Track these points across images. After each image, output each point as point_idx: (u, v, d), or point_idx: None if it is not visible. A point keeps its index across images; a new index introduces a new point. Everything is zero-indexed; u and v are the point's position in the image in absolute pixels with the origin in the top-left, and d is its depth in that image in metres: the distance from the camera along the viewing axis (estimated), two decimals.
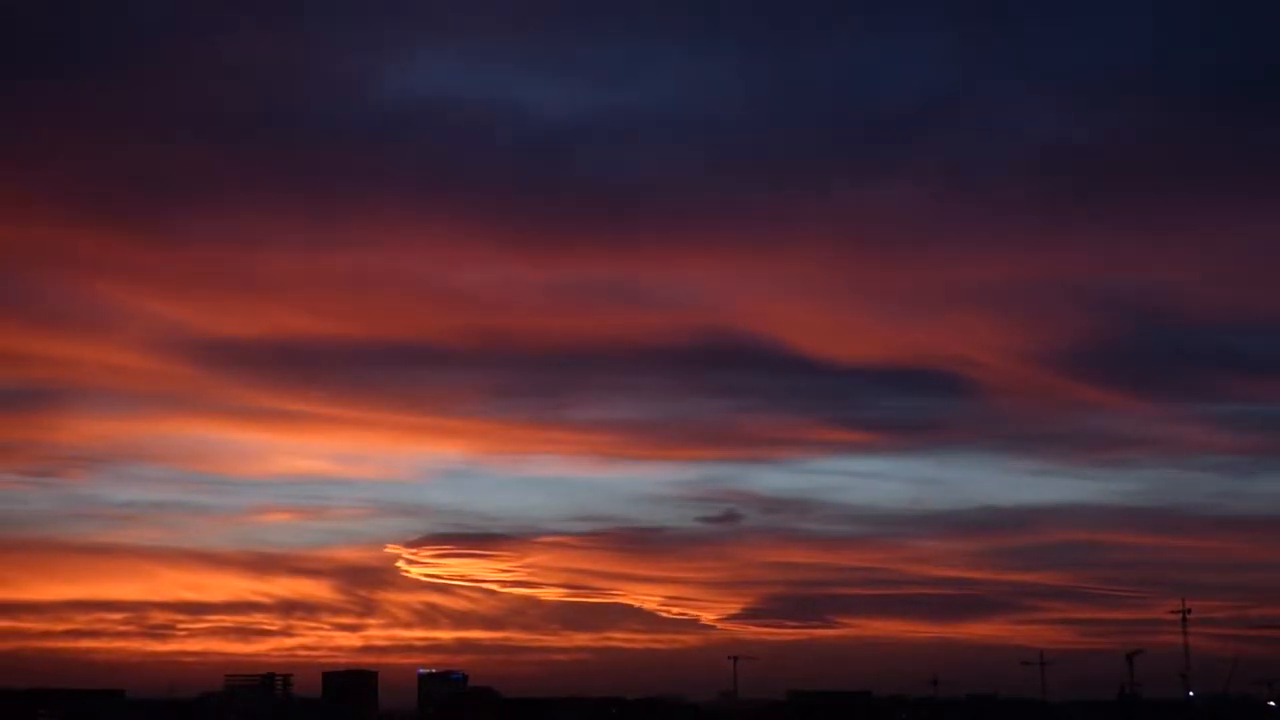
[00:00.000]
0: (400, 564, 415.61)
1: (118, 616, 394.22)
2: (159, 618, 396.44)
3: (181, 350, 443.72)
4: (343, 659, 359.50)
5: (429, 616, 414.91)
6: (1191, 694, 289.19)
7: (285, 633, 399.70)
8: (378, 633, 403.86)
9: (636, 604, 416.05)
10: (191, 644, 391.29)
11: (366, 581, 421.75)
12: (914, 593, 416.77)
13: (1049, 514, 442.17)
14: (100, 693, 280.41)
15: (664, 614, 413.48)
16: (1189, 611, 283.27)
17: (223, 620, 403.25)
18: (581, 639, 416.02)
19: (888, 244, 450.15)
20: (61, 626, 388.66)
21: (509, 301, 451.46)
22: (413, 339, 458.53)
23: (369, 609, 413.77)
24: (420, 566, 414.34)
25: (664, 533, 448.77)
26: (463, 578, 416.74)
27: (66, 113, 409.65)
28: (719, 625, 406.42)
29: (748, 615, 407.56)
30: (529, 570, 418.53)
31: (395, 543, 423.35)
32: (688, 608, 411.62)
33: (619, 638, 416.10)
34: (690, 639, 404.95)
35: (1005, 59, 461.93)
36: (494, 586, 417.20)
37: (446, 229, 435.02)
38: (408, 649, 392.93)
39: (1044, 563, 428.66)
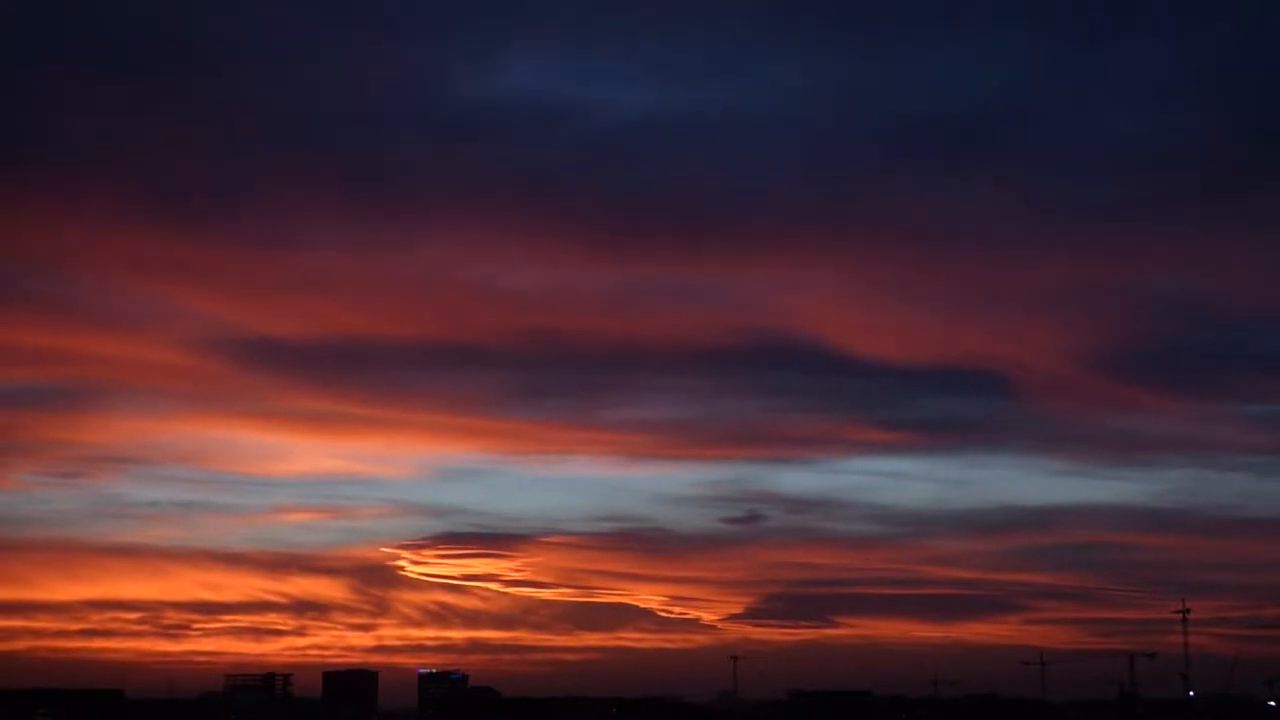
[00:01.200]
0: (411, 564, 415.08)
1: (132, 616, 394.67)
2: (173, 617, 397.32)
3: (223, 349, 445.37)
4: (354, 659, 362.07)
5: (441, 616, 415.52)
6: (1191, 694, 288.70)
7: (298, 633, 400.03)
8: (390, 632, 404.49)
9: (644, 605, 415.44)
10: (204, 644, 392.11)
11: (381, 581, 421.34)
12: (916, 593, 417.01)
13: (1070, 514, 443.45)
14: (100, 693, 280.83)
15: (667, 614, 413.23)
16: (1188, 611, 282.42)
17: (237, 620, 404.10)
18: (592, 639, 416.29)
19: (944, 246, 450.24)
20: (76, 626, 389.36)
21: (559, 302, 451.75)
22: (457, 339, 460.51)
23: (382, 609, 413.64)
24: (432, 566, 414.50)
25: (682, 534, 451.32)
26: (476, 577, 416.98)
27: (123, 112, 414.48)
28: (726, 625, 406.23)
29: (750, 615, 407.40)
30: (543, 571, 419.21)
31: (412, 543, 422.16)
32: (695, 609, 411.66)
33: (630, 638, 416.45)
34: (701, 639, 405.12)
35: (1065, 62, 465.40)
36: (506, 587, 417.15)
37: (501, 229, 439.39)
38: (419, 649, 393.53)
39: (1057, 563, 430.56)
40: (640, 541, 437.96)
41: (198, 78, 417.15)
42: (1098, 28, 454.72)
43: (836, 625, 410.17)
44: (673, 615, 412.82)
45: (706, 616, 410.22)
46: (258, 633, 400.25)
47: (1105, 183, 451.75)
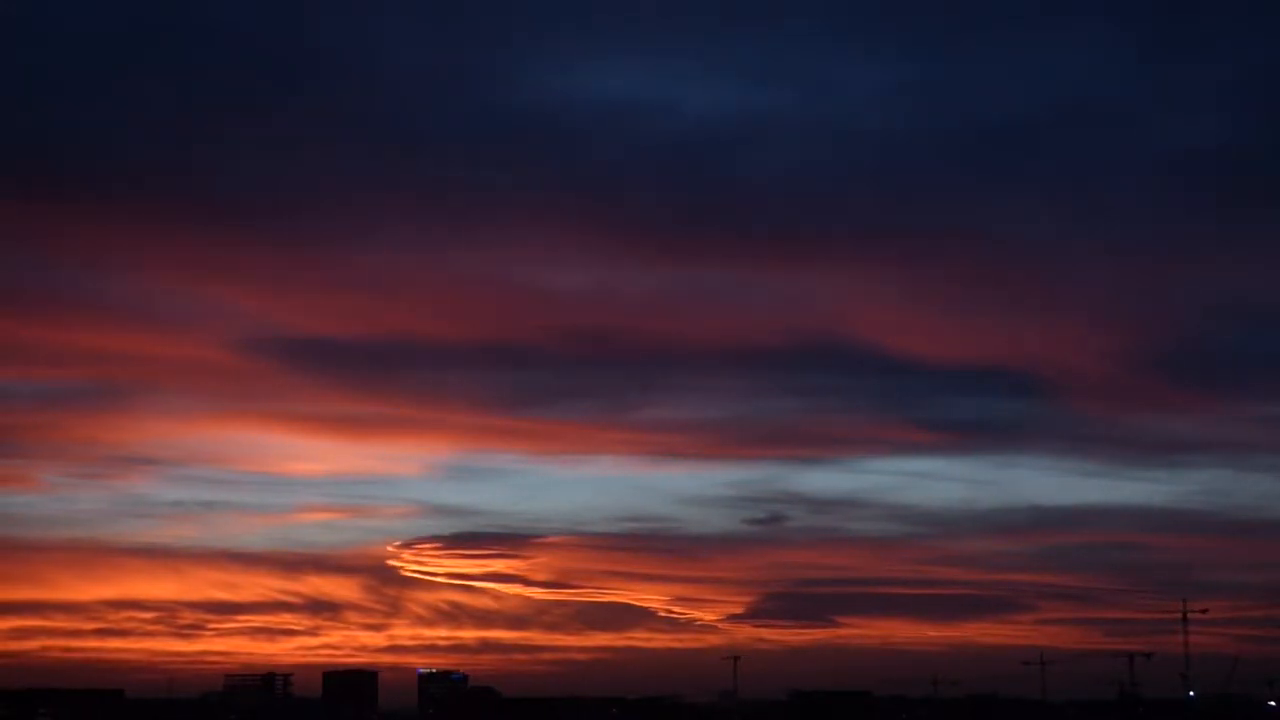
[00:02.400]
0: (423, 564, 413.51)
1: (147, 615, 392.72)
2: (188, 617, 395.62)
3: (267, 349, 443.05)
4: (365, 659, 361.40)
5: (453, 616, 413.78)
6: (1192, 694, 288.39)
7: (310, 632, 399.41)
8: (401, 632, 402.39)
9: (650, 605, 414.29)
10: (217, 643, 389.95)
11: (395, 581, 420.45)
12: (919, 593, 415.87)
13: (1094, 515, 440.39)
14: (100, 692, 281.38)
15: (670, 615, 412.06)
16: (1193, 611, 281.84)
17: (251, 620, 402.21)
18: (602, 639, 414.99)
19: (991, 249, 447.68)
20: (91, 625, 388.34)
21: (606, 303, 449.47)
22: (498, 339, 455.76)
23: (396, 609, 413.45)
24: (446, 566, 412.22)
25: (700, 535, 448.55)
26: (488, 577, 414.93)
27: (169, 111, 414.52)
28: (730, 626, 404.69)
29: (752, 616, 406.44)
30: (556, 571, 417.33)
31: (428, 543, 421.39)
32: (701, 609, 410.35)
33: (638, 637, 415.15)
34: (707, 639, 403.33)
35: (1116, 68, 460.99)
36: (520, 587, 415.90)
37: (555, 229, 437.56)
38: (432, 648, 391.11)
39: (1072, 564, 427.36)
40: (658, 542, 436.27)
41: (250, 78, 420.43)
42: (1151, 36, 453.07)
43: (838, 625, 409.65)
44: (674, 615, 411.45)
45: (707, 617, 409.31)
46: (270, 633, 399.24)
47: (1149, 186, 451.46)
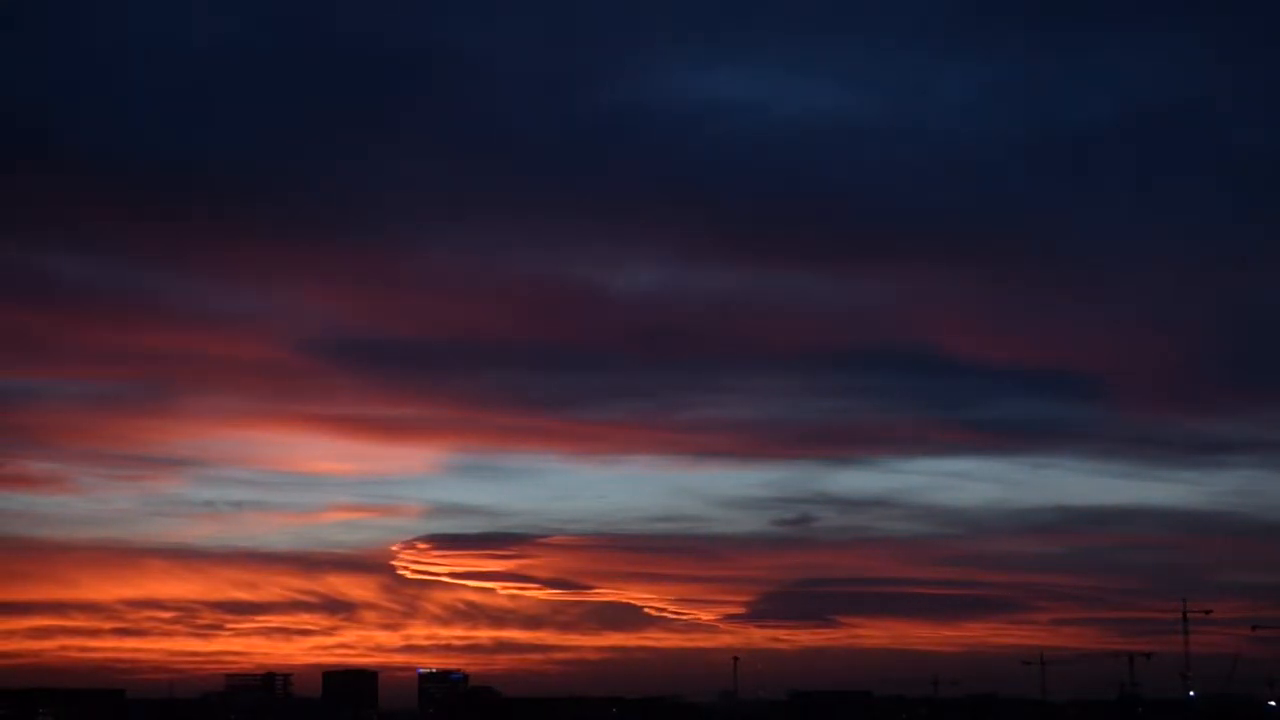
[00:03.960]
0: (441, 565, 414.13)
1: (167, 615, 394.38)
2: (208, 617, 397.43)
3: (320, 349, 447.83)
4: (378, 659, 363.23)
5: (469, 616, 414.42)
6: (1192, 694, 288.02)
7: (326, 632, 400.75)
8: (416, 631, 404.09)
9: (658, 605, 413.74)
10: (234, 643, 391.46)
11: (412, 582, 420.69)
12: (921, 593, 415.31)
13: (1123, 516, 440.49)
14: (100, 692, 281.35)
15: (675, 615, 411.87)
16: (1188, 612, 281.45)
17: (269, 620, 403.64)
18: (614, 639, 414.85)
19: (1062, 251, 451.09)
20: (110, 625, 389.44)
21: (668, 304, 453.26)
22: (556, 340, 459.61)
23: (412, 609, 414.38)
24: (460, 566, 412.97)
25: (726, 536, 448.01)
26: (503, 577, 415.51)
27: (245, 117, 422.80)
28: (741, 627, 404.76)
29: (754, 616, 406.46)
30: (571, 572, 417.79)
31: (444, 543, 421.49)
32: (706, 610, 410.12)
33: (649, 638, 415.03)
34: (720, 639, 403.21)
35: (1188, 73, 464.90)
36: (532, 588, 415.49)
37: (624, 229, 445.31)
38: (446, 649, 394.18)
39: (1091, 564, 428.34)
40: (681, 542, 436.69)
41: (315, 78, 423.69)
42: (1230, 41, 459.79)
43: (839, 625, 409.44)
44: (677, 616, 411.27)
45: (705, 617, 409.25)
46: (287, 632, 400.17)
47: (1213, 190, 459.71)
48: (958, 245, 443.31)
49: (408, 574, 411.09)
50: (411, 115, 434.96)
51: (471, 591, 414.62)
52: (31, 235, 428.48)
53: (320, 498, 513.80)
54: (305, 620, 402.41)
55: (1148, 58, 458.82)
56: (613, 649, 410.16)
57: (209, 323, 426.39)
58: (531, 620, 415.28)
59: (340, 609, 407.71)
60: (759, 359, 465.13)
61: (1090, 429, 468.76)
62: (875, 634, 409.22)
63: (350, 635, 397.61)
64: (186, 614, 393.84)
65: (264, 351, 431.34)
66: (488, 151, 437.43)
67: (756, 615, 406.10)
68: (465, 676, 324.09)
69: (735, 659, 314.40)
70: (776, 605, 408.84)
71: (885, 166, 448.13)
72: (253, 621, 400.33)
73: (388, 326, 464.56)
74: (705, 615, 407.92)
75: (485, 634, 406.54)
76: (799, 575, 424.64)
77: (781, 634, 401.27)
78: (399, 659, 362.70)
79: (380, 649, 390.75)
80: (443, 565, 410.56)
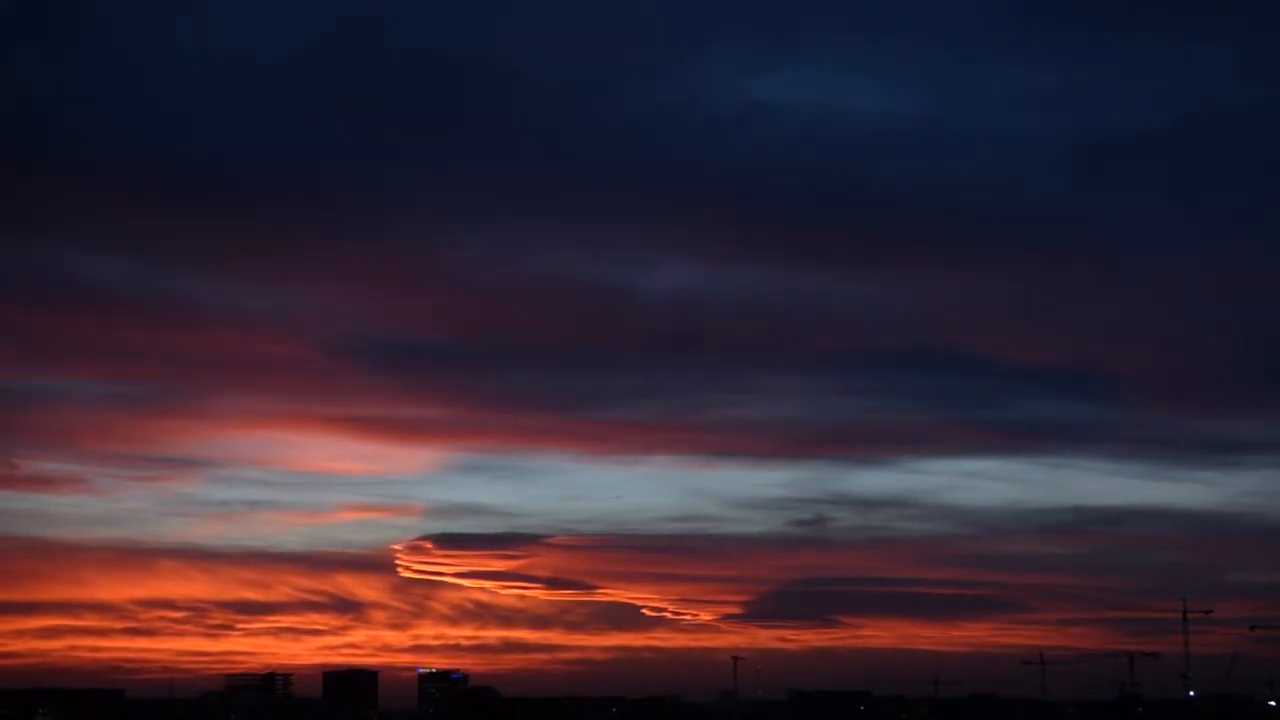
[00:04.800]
0: (445, 564, 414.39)
1: (178, 615, 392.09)
2: (218, 617, 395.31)
3: (347, 350, 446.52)
4: (385, 659, 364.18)
5: (476, 615, 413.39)
6: (1192, 694, 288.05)
7: (335, 632, 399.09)
8: (424, 631, 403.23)
9: (656, 605, 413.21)
10: (243, 643, 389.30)
11: (423, 582, 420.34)
12: (920, 592, 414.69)
13: (1136, 516, 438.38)
14: (100, 692, 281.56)
15: (680, 616, 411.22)
16: (1188, 612, 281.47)
17: (279, 620, 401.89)
18: (618, 639, 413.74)
19: (1091, 253, 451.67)
20: (121, 625, 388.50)
21: (702, 305, 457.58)
22: (584, 342, 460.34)
23: (420, 609, 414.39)
24: (462, 566, 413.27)
25: (739, 537, 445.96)
26: (506, 577, 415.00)
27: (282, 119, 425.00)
28: (743, 627, 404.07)
29: (753, 617, 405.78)
30: (577, 572, 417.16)
31: (456, 544, 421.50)
32: (706, 610, 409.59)
33: (659, 638, 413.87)
34: (726, 640, 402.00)
35: (1238, 78, 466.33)
36: (534, 588, 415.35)
37: (658, 230, 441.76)
38: (455, 648, 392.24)
39: (1100, 565, 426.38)
40: (695, 542, 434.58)
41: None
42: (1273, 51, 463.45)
43: (839, 625, 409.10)
44: (679, 616, 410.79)
45: (704, 616, 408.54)
46: (296, 632, 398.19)
47: (1244, 198, 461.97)
48: (983, 247, 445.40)
49: (412, 574, 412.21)
50: (437, 118, 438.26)
51: (478, 591, 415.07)
52: (61, 237, 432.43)
53: (331, 497, 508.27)
54: (314, 620, 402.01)
55: (1190, 64, 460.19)
56: (618, 649, 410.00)
57: (236, 323, 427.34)
58: (539, 620, 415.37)
59: (349, 609, 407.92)
60: (780, 360, 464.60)
61: (1106, 430, 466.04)
62: (876, 634, 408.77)
63: (359, 635, 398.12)
64: (197, 614, 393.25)
65: (288, 351, 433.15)
66: (513, 150, 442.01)
67: (757, 615, 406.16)
68: (465, 677, 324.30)
69: (735, 659, 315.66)
70: (778, 605, 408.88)
71: (915, 169, 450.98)
72: (263, 621, 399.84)
73: (414, 327, 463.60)
74: (705, 615, 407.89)
75: (493, 634, 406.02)
76: (802, 575, 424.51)
77: (785, 634, 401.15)
78: (406, 659, 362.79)
79: (388, 649, 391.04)
80: (451, 565, 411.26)
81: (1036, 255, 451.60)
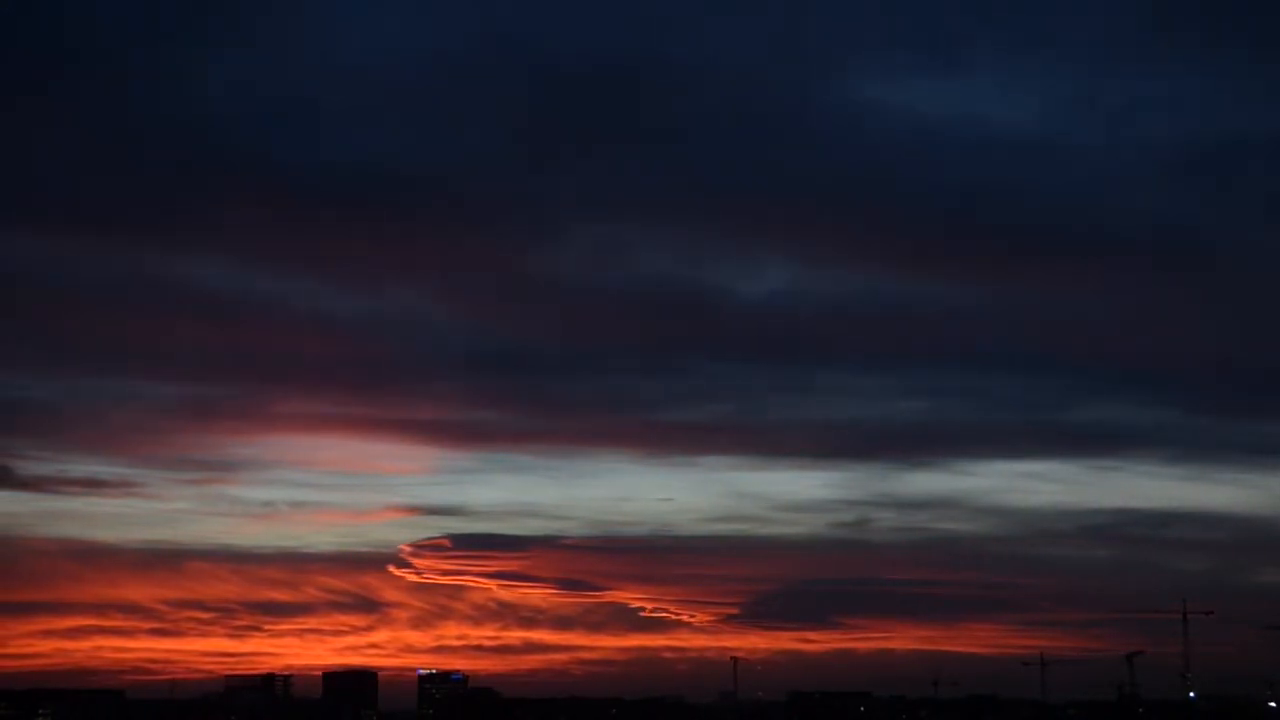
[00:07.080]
0: (464, 565, 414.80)
1: (207, 616, 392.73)
2: (245, 618, 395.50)
3: (423, 353, 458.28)
4: (420, 660, 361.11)
5: (499, 616, 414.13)
6: (1193, 695, 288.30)
7: (356, 632, 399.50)
8: (446, 632, 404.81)
9: (655, 605, 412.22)
10: (265, 644, 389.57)
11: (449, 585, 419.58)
12: (921, 593, 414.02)
13: (1178, 518, 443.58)
14: (100, 692, 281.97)
15: (679, 618, 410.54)
16: (1190, 612, 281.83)
17: (304, 622, 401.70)
18: (636, 640, 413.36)
19: (1170, 260, 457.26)
20: (148, 625, 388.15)
21: (784, 310, 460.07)
22: (645, 345, 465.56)
23: (444, 611, 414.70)
24: (485, 568, 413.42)
25: (770, 538, 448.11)
26: (526, 579, 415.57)
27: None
28: (745, 627, 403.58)
29: (752, 617, 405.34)
30: (603, 576, 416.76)
31: (478, 545, 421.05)
32: (709, 610, 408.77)
33: (668, 639, 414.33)
34: (728, 640, 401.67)
35: None
36: (551, 591, 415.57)
37: (750, 232, 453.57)
38: (477, 649, 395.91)
39: (1113, 566, 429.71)
40: (731, 544, 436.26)
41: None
42: None
43: (838, 626, 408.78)
44: (684, 618, 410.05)
45: (702, 617, 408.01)
46: (320, 634, 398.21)
47: None
48: (1067, 252, 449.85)
49: (434, 579, 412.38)
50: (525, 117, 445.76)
51: (502, 591, 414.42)
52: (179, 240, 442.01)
53: (380, 498, 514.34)
54: (341, 621, 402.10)
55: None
56: (636, 649, 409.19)
57: (316, 326, 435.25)
58: (561, 621, 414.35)
59: (375, 609, 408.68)
60: (851, 362, 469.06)
61: (1165, 431, 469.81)
62: (878, 634, 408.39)
63: (382, 635, 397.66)
64: (225, 615, 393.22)
65: (365, 353, 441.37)
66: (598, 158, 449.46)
67: (755, 616, 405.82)
68: (465, 677, 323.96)
69: (734, 659, 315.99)
70: (777, 606, 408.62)
71: (1031, 174, 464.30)
72: (289, 623, 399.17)
73: (499, 331, 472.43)
74: (704, 616, 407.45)
75: (515, 635, 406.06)
76: (807, 576, 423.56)
77: (785, 634, 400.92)
78: (426, 660, 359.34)
79: (410, 649, 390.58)
80: (474, 568, 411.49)
81: (1114, 258, 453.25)
